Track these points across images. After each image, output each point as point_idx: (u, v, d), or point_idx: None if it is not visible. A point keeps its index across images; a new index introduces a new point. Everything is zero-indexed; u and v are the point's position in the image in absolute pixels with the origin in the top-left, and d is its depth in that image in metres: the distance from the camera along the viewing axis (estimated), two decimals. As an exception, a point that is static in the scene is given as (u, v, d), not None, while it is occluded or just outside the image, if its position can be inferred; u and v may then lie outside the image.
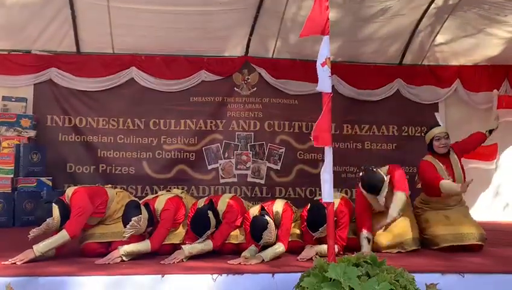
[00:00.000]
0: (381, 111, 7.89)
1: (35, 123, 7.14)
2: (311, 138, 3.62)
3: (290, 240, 4.51)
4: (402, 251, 4.58)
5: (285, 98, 7.87)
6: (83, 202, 4.19)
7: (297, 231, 4.71)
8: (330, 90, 3.61)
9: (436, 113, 5.48)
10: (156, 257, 4.17)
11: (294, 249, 4.56)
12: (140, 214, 4.14)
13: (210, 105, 7.75)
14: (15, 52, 7.36)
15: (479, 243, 4.59)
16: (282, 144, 7.77)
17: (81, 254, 4.26)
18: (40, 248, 3.96)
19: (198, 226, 4.20)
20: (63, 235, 4.03)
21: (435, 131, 5.06)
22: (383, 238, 4.68)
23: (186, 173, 7.57)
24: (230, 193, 7.29)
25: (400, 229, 4.70)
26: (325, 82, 3.61)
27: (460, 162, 5.13)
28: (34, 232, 4.07)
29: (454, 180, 4.91)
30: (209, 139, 7.72)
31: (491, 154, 7.92)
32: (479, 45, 7.66)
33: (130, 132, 7.55)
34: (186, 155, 7.59)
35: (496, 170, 8.10)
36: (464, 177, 5.05)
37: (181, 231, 4.47)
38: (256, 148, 7.75)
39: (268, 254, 4.11)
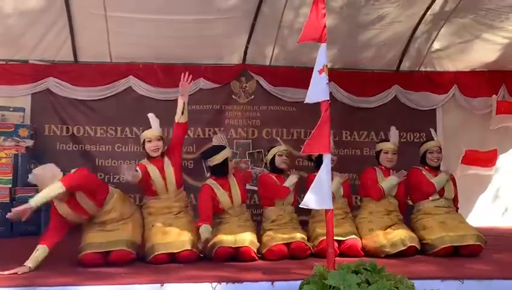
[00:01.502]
0: (379, 117, 7.89)
1: (33, 133, 7.12)
2: (302, 146, 3.67)
3: (293, 241, 4.61)
4: (403, 247, 4.62)
5: (283, 106, 7.87)
6: (84, 171, 4.36)
7: (302, 235, 4.75)
8: (328, 98, 3.63)
9: (431, 129, 5.59)
10: (156, 267, 4.17)
11: (297, 253, 4.59)
12: None
13: (208, 113, 7.74)
14: (12, 62, 7.36)
15: (478, 243, 4.61)
16: (281, 151, 7.76)
17: (80, 264, 4.24)
18: (36, 199, 3.99)
19: None
20: (57, 187, 4.06)
21: (429, 144, 5.36)
22: (383, 238, 4.75)
23: (184, 181, 7.50)
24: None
25: (396, 232, 4.80)
26: (322, 90, 3.63)
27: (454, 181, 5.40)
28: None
29: (442, 193, 5.17)
30: (207, 147, 7.69)
31: (490, 160, 7.94)
32: (475, 50, 7.67)
33: (128, 141, 7.53)
34: (185, 163, 7.55)
35: (495, 174, 8.11)
36: (456, 194, 5.30)
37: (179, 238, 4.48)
38: (255, 155, 7.74)
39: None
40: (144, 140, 4.94)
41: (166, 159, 4.91)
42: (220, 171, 5.01)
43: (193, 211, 4.98)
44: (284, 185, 5.03)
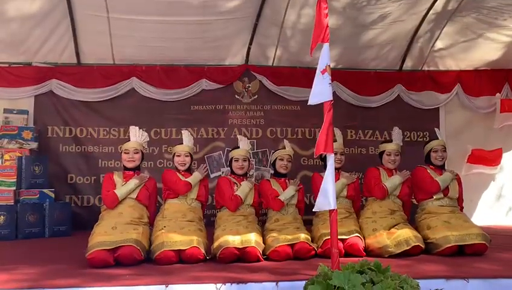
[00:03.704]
0: (383, 116, 7.91)
1: (37, 135, 7.14)
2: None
3: (297, 242, 4.60)
4: (407, 247, 4.61)
5: (287, 105, 7.89)
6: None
7: (306, 235, 4.76)
8: (331, 98, 3.64)
9: (436, 128, 5.59)
10: (160, 268, 4.18)
11: (301, 254, 4.59)
12: None
13: (211, 113, 7.77)
14: (16, 65, 7.39)
15: (483, 242, 4.60)
16: (285, 150, 7.77)
17: (88, 264, 4.22)
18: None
19: None
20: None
21: (433, 143, 5.38)
22: (387, 238, 4.74)
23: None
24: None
25: (400, 231, 4.78)
26: (325, 90, 3.63)
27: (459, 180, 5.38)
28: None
29: (447, 193, 5.16)
30: (210, 147, 7.72)
31: (495, 159, 7.94)
32: (478, 49, 7.67)
33: (131, 142, 7.55)
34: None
35: (499, 173, 8.09)
36: (461, 194, 5.29)
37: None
38: (259, 155, 7.76)
39: None
40: (174, 153, 5.12)
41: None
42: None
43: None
44: (279, 197, 5.05)
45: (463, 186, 5.40)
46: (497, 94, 8.04)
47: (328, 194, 3.56)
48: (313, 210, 3.79)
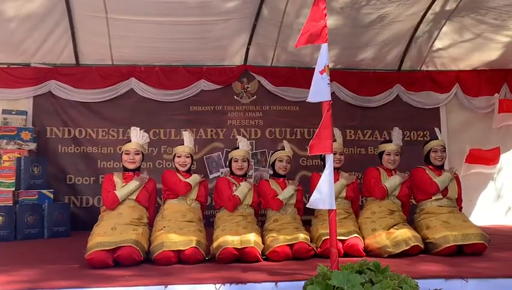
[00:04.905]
0: (382, 116, 7.91)
1: (36, 136, 7.13)
2: (308, 147, 3.67)
3: (296, 242, 4.60)
4: (406, 247, 4.60)
5: (285, 105, 7.89)
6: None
7: (305, 235, 4.75)
8: (329, 98, 3.64)
9: (436, 128, 5.58)
10: (160, 269, 4.17)
11: (300, 254, 4.59)
12: None
13: (210, 114, 7.76)
14: (14, 66, 7.38)
15: (482, 242, 4.60)
16: (284, 151, 7.77)
17: (87, 265, 4.22)
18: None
19: None
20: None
21: (433, 143, 5.39)
22: (386, 238, 4.74)
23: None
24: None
25: (399, 231, 4.77)
26: (323, 90, 3.63)
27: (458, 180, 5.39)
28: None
29: (446, 193, 5.18)
30: (210, 148, 7.72)
31: (493, 158, 7.94)
32: (477, 49, 7.67)
33: (130, 142, 7.55)
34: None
35: (498, 173, 8.10)
36: (460, 194, 5.31)
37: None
38: (258, 156, 7.75)
39: None
40: (175, 154, 5.11)
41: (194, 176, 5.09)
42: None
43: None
44: (278, 197, 5.06)
45: (462, 186, 5.41)
46: (496, 94, 8.05)
47: (327, 194, 3.56)
48: (307, 206, 3.76)
